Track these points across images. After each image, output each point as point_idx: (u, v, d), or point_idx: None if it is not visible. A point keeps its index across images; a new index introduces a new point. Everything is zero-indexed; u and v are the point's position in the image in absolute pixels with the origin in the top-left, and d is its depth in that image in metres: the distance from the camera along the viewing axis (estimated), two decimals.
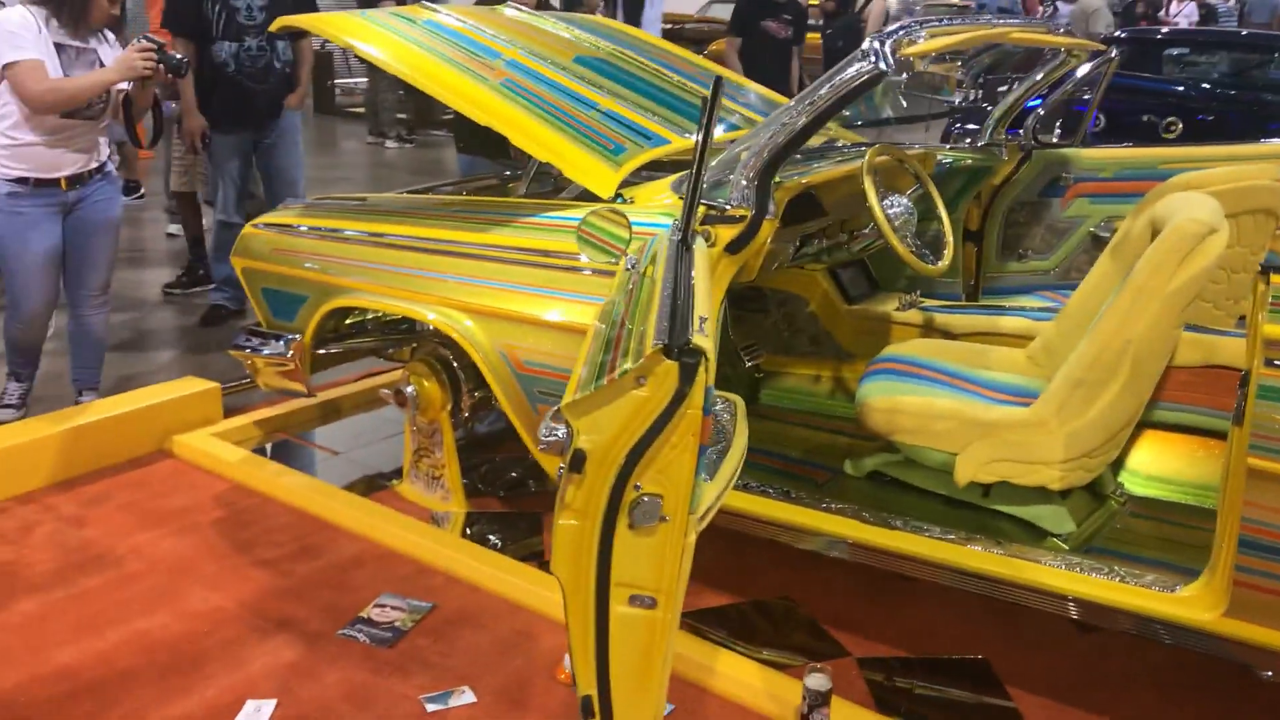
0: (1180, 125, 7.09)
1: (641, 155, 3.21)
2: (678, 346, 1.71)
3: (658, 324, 1.79)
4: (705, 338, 1.77)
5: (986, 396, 2.84)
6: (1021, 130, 4.13)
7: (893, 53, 2.67)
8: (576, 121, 3.26)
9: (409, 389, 3.41)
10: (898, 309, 3.52)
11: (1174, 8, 14.84)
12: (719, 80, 2.26)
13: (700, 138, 2.27)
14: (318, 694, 2.67)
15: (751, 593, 3.20)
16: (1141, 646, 2.93)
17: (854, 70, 2.67)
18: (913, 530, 2.70)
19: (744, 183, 2.77)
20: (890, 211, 3.05)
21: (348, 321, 3.77)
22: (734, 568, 3.30)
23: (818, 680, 2.47)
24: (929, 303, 3.55)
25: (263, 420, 4.16)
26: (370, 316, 3.81)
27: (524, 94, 3.34)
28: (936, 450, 2.80)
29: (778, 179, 3.02)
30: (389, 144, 11.62)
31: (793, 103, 2.79)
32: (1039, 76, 3.97)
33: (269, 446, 4.12)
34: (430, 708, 2.62)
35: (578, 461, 1.72)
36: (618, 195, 3.04)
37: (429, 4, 4.00)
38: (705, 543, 3.26)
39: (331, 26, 3.69)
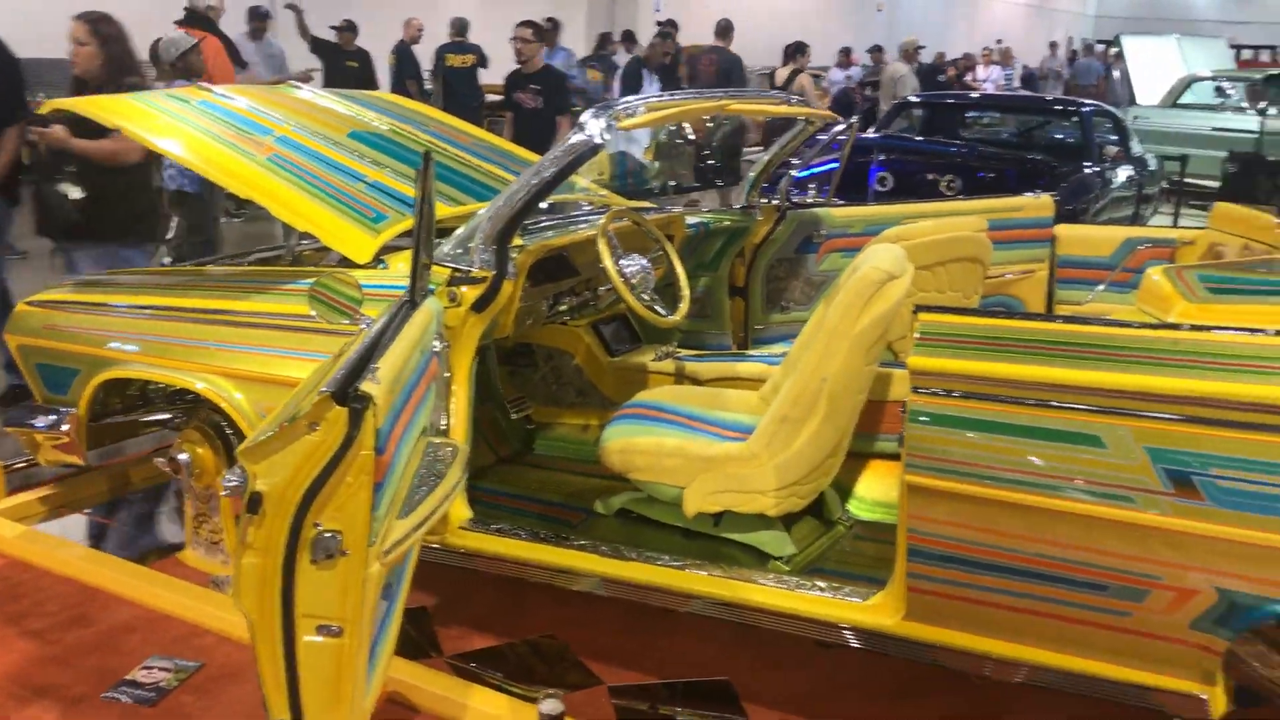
0: (959, 183, 7.61)
1: (403, 223, 3.39)
2: (347, 393, 1.88)
3: (335, 373, 1.96)
4: (377, 385, 1.95)
5: (712, 434, 3.08)
6: (778, 192, 4.46)
7: (609, 126, 2.93)
8: (339, 192, 3.43)
9: (182, 456, 3.49)
10: (654, 359, 3.76)
11: (980, 73, 15.85)
12: (427, 154, 2.47)
13: (419, 206, 2.48)
14: None
15: (521, 632, 3.37)
16: (875, 658, 3.19)
17: (574, 141, 2.93)
18: (646, 560, 2.90)
19: (483, 247, 2.99)
20: (627, 270, 3.30)
21: (130, 393, 3.83)
22: (508, 609, 3.46)
23: (550, 705, 2.65)
24: (684, 352, 3.81)
25: (48, 496, 4.17)
26: (152, 387, 3.88)
27: (289, 168, 3.50)
28: (668, 485, 3.03)
29: (521, 242, 3.25)
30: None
31: (525, 173, 3.03)
32: (784, 143, 4.31)
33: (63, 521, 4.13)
34: None
35: (255, 503, 1.87)
36: (378, 260, 3.21)
37: (204, 85, 4.14)
38: (481, 587, 3.46)
39: (102, 109, 3.80)
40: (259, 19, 10.31)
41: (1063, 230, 4.30)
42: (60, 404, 3.65)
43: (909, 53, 13.49)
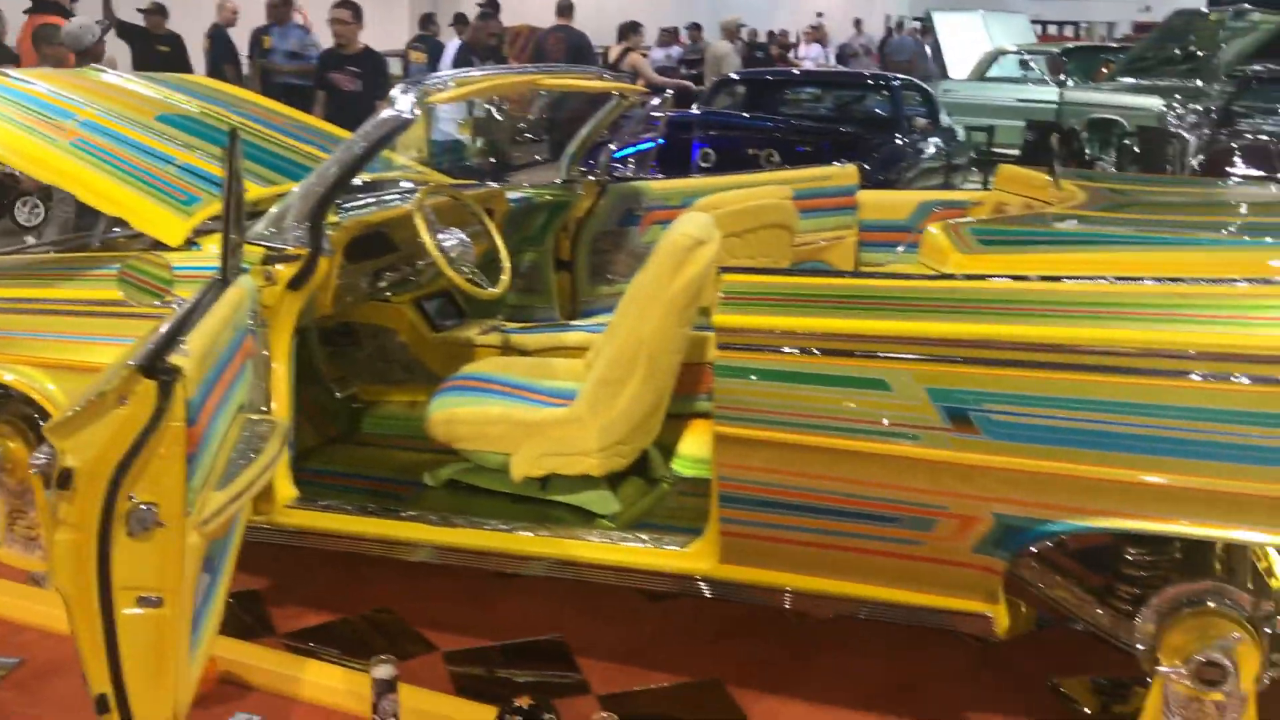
0: (778, 156, 7.87)
1: (216, 204, 3.35)
2: (156, 366, 1.90)
3: (143, 348, 1.97)
4: (186, 358, 1.97)
5: (536, 400, 3.17)
6: (598, 167, 4.57)
7: (419, 101, 2.98)
8: (149, 175, 3.37)
9: None
10: (480, 333, 3.83)
11: (802, 50, 16.32)
12: (233, 132, 2.48)
13: (227, 184, 2.49)
14: None
15: (356, 609, 3.40)
16: (701, 608, 3.34)
17: (384, 117, 2.96)
18: (473, 526, 2.98)
19: (296, 224, 3.00)
20: (446, 244, 3.35)
21: None
22: (343, 587, 3.48)
23: (383, 670, 2.70)
24: (510, 325, 3.88)
25: None
26: None
27: (95, 152, 3.42)
28: (494, 453, 3.10)
29: (337, 219, 3.27)
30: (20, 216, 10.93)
31: (337, 150, 3.05)
32: (599, 118, 4.41)
33: None
34: None
35: (66, 479, 1.88)
36: (191, 242, 3.18)
37: (2, 70, 4.00)
38: (315, 567, 3.47)
39: None
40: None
41: (864, 196, 4.53)
42: None
43: (731, 31, 13.78)
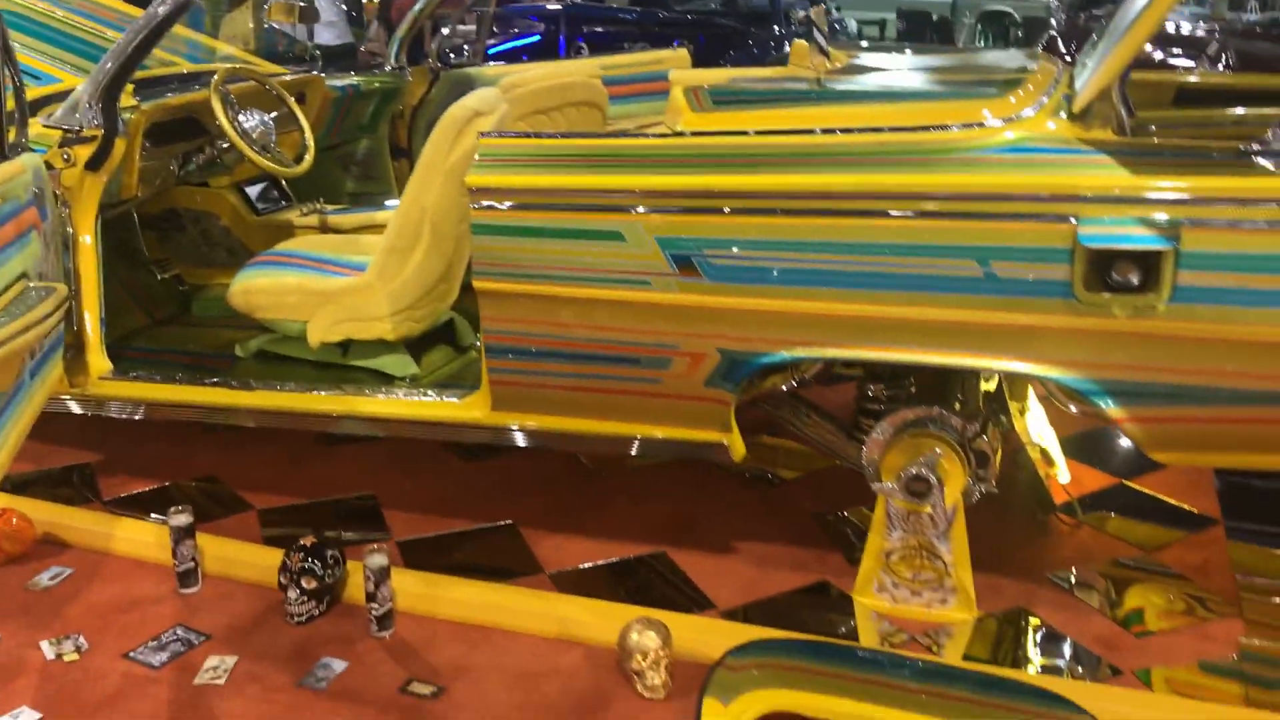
0: (650, 48, 7.95)
1: (33, 92, 3.45)
2: None
3: None
4: None
5: (332, 271, 3.33)
6: (429, 53, 4.68)
7: None
8: None
9: None
10: (301, 216, 3.97)
11: None
12: None
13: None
14: None
15: (183, 476, 3.58)
16: (511, 464, 3.58)
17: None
18: (270, 389, 3.16)
19: (89, 106, 3.11)
20: (246, 125, 3.48)
21: None
22: (172, 459, 3.67)
23: (180, 519, 2.90)
24: (331, 207, 4.03)
25: None
26: None
27: None
28: (292, 321, 3.27)
29: (135, 102, 3.38)
30: None
31: (125, 32, 3.15)
32: (422, 6, 4.51)
33: None
34: None
35: None
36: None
37: None
38: (145, 441, 3.65)
39: None
40: None
41: (675, 75, 4.67)
42: None
43: None
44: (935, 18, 10.82)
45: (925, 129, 2.50)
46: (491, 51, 8.22)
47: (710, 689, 2.41)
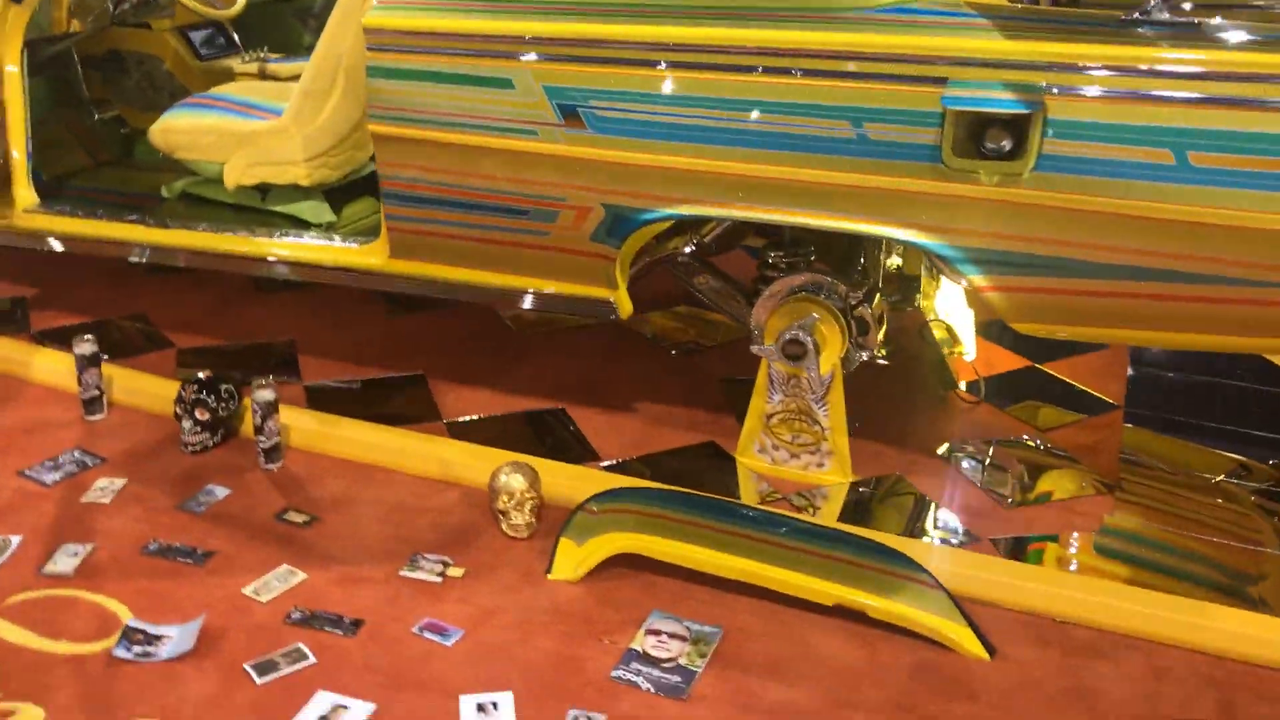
0: None
1: None
2: None
3: None
4: None
5: (253, 115, 3.34)
6: None
7: None
8: None
9: None
10: (242, 63, 3.97)
11: None
12: None
13: None
14: None
15: (114, 313, 3.67)
16: (433, 321, 3.63)
17: None
18: (186, 229, 3.21)
19: None
20: None
21: None
22: (106, 298, 3.75)
23: (84, 347, 2.98)
24: (274, 56, 4.02)
25: None
26: None
27: None
28: (209, 161, 3.30)
29: None
30: None
31: None
32: None
33: None
34: None
35: None
36: None
37: None
38: (83, 281, 3.72)
39: None
40: None
41: None
42: None
43: None
44: None
45: None
46: None
47: (567, 530, 2.49)
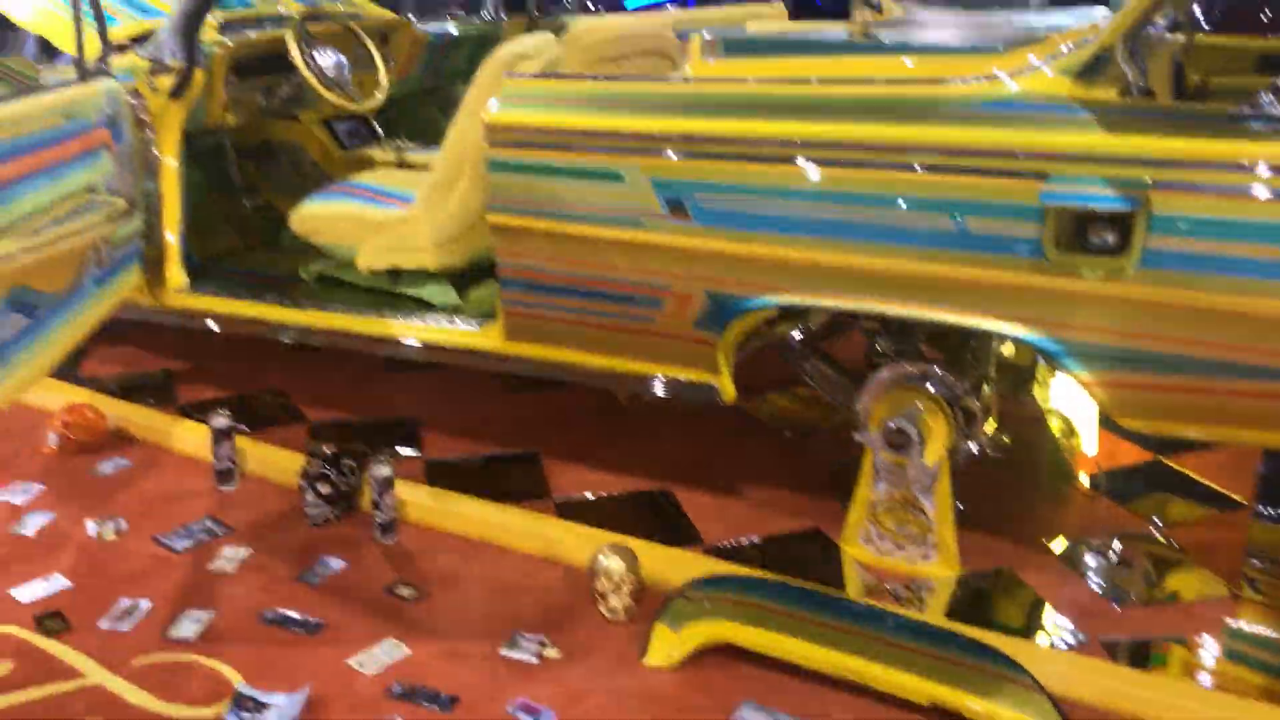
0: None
1: (135, 26, 3.76)
2: None
3: None
4: None
5: (387, 203, 3.51)
6: (528, 3, 4.83)
7: None
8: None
9: None
10: (382, 151, 4.19)
11: None
12: None
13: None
14: None
15: (252, 387, 3.88)
16: (547, 399, 3.73)
17: None
18: (319, 308, 3.38)
19: (171, 40, 3.38)
20: (322, 63, 3.70)
21: None
22: (245, 369, 3.97)
23: (219, 421, 3.16)
24: (411, 144, 4.23)
25: None
26: None
27: None
28: (344, 246, 3.49)
29: (221, 38, 3.64)
30: None
31: None
32: None
33: None
34: None
35: None
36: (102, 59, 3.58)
37: None
38: (222, 355, 3.95)
39: None
40: None
41: (751, 27, 4.67)
42: None
43: None
44: None
45: (917, 82, 2.49)
46: (632, 6, 8.30)
47: (664, 616, 2.51)
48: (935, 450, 2.68)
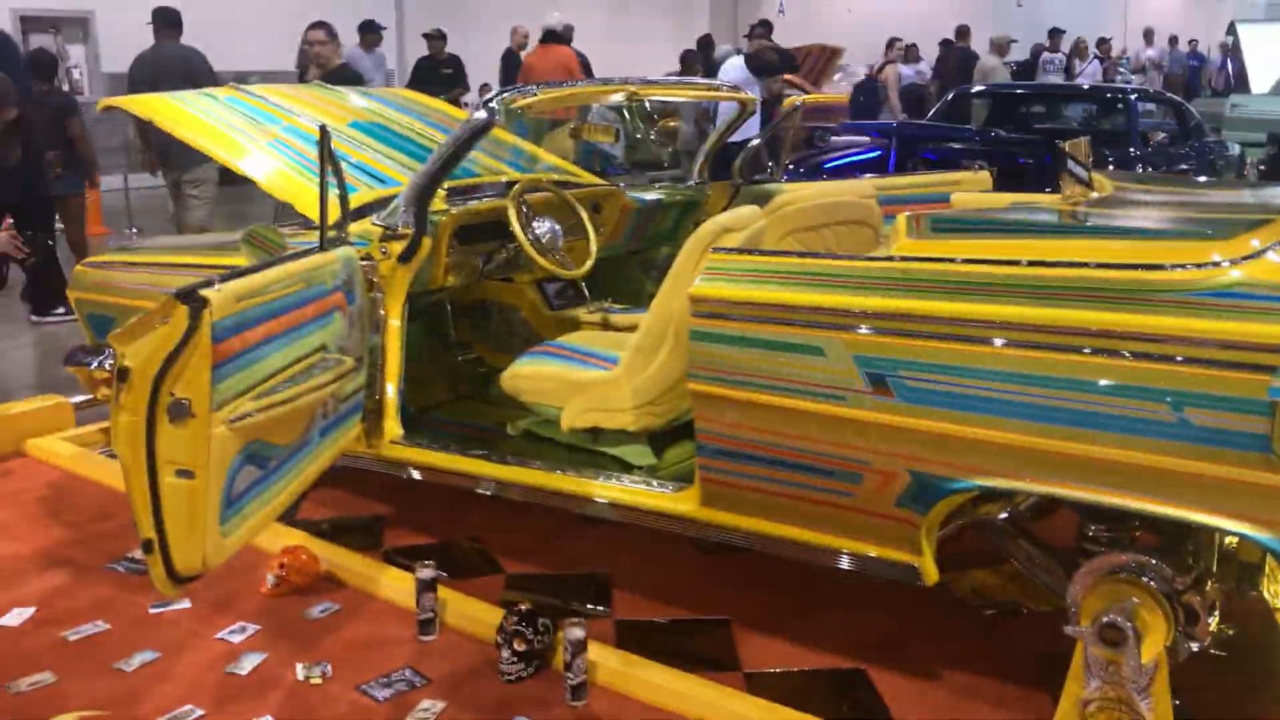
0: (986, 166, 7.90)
1: (370, 195, 4.07)
2: (189, 296, 2.55)
3: (188, 284, 2.61)
4: (217, 292, 2.59)
5: (589, 364, 3.63)
6: (732, 170, 4.99)
7: (503, 107, 3.55)
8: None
9: None
10: (588, 313, 4.35)
11: (1078, 65, 15.78)
12: (322, 128, 3.15)
13: (320, 173, 3.15)
14: (72, 605, 3.49)
15: (454, 534, 4.01)
16: (748, 560, 3.71)
17: (472, 120, 3.55)
18: (521, 465, 3.50)
19: (404, 210, 3.64)
20: (538, 230, 3.90)
21: None
22: (448, 516, 4.11)
23: (425, 572, 3.27)
24: (617, 307, 4.38)
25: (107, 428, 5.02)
26: None
27: (285, 150, 4.23)
28: (549, 405, 3.60)
29: (446, 207, 3.89)
30: None
31: (435, 150, 3.67)
32: (727, 124, 4.83)
33: None
34: (153, 611, 3.45)
35: (124, 374, 2.55)
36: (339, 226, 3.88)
37: (236, 84, 4.93)
38: (435, 499, 4.08)
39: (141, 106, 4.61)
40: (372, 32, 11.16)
41: (956, 198, 4.67)
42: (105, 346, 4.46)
43: (1000, 46, 13.64)
44: None
45: (1132, 267, 2.45)
46: (828, 166, 8.47)
47: None
48: (1152, 648, 2.52)
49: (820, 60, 15.40)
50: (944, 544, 2.85)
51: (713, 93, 4.67)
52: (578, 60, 9.98)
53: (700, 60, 12.64)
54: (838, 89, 13.91)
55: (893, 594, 3.42)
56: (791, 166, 8.61)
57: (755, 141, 5.19)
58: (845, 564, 2.90)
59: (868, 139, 8.66)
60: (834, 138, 8.80)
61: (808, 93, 11.63)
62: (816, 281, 2.80)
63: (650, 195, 4.78)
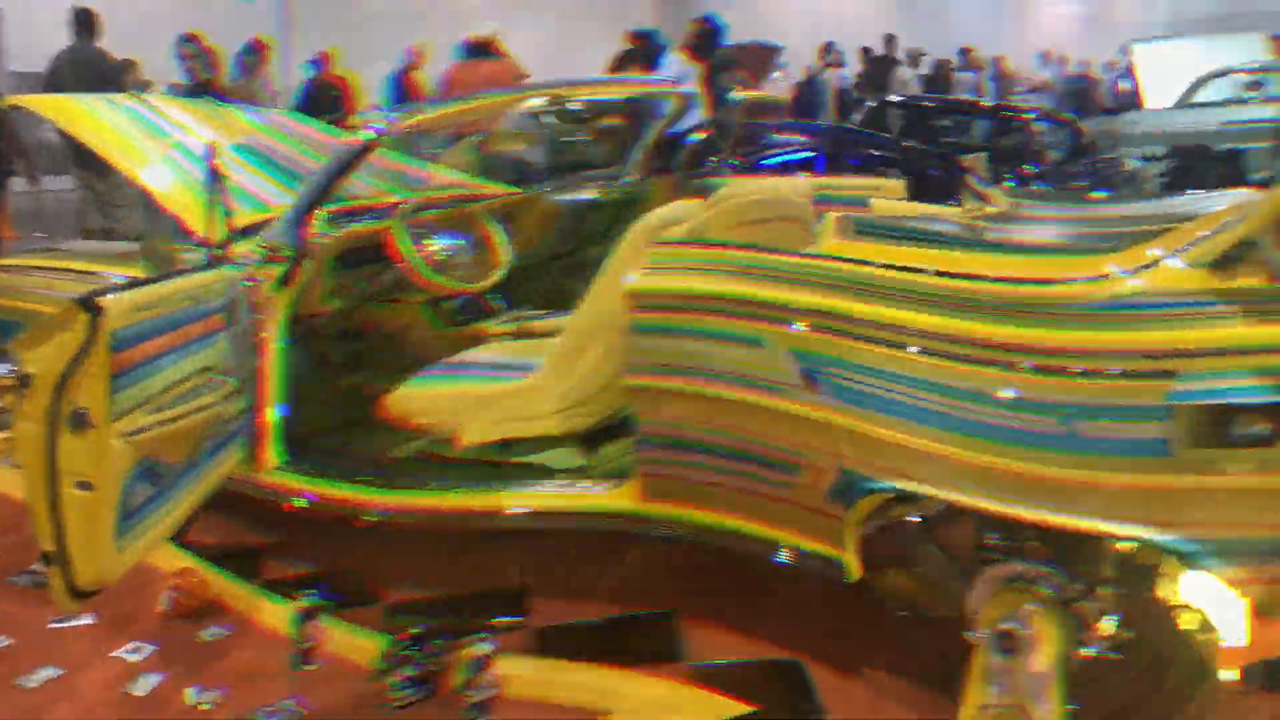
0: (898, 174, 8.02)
1: (259, 214, 3.89)
2: (89, 303, 2.47)
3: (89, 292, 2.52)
4: (117, 302, 2.51)
5: (496, 376, 3.56)
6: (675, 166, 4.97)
7: (386, 128, 3.49)
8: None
9: None
10: (498, 323, 4.28)
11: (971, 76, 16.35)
12: (210, 145, 3.09)
13: (209, 192, 3.06)
14: None
15: (337, 563, 3.84)
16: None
17: (350, 141, 3.49)
18: (415, 487, 3.39)
19: (284, 232, 3.51)
20: (433, 248, 3.83)
21: None
22: (332, 545, 3.91)
23: (302, 602, 3.16)
24: (535, 312, 4.31)
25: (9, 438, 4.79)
26: None
27: (178, 163, 4.09)
28: (445, 425, 3.50)
29: (329, 229, 3.76)
30: None
31: (317, 171, 3.58)
32: (665, 119, 4.84)
33: None
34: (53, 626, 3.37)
35: (26, 381, 2.46)
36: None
37: (136, 93, 4.80)
38: (315, 523, 3.88)
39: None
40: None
41: (875, 203, 4.68)
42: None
43: (915, 59, 13.99)
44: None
45: (1029, 283, 2.50)
46: (763, 164, 8.48)
47: None
48: (1047, 655, 2.56)
49: (758, 59, 15.42)
50: (874, 543, 2.87)
51: (646, 88, 4.64)
52: (512, 75, 8.99)
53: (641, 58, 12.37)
54: (777, 88, 13.94)
55: (819, 592, 3.42)
56: (736, 162, 8.62)
57: (696, 135, 5.16)
58: (783, 556, 2.89)
59: (802, 139, 8.74)
60: (773, 135, 8.88)
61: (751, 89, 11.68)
62: (759, 274, 2.82)
63: (581, 196, 4.72)
